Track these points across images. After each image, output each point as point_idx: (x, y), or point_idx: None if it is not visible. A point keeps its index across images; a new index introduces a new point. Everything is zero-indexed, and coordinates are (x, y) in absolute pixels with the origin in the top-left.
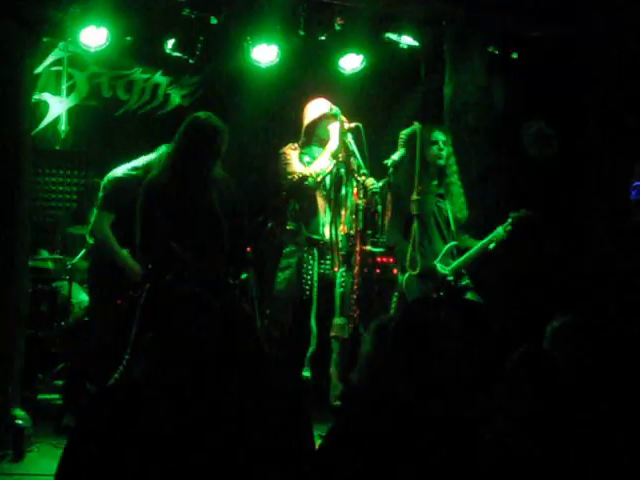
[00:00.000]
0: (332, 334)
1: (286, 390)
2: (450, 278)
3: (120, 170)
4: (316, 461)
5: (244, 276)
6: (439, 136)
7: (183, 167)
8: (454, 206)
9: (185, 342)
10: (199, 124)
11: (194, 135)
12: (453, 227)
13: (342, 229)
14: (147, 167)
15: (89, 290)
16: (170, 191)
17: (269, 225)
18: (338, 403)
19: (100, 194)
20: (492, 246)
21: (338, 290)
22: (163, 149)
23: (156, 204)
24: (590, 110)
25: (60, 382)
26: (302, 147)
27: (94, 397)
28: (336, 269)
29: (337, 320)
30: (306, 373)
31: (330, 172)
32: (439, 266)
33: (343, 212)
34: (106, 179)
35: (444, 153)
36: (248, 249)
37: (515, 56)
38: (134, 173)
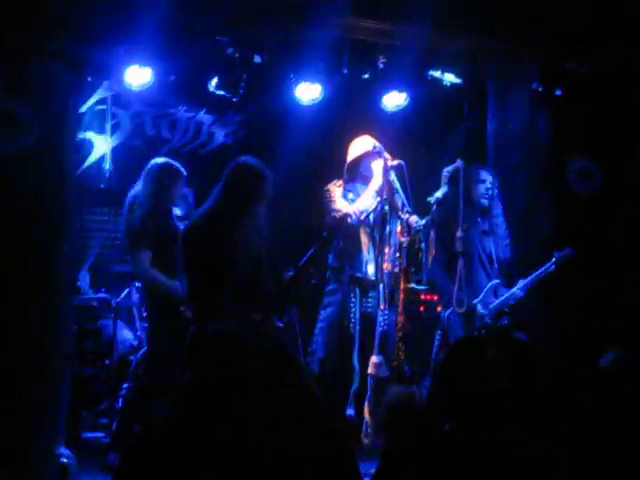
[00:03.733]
0: (368, 372)
1: (333, 430)
2: (490, 317)
3: (145, 207)
4: None
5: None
6: (486, 176)
7: (226, 213)
8: (497, 247)
9: (225, 383)
10: (244, 170)
11: (238, 181)
12: (497, 265)
13: (386, 267)
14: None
15: (149, 330)
16: (214, 236)
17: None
18: (367, 440)
19: (136, 233)
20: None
21: (378, 328)
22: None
23: (198, 250)
24: (635, 145)
25: (105, 420)
26: (346, 184)
27: (139, 436)
28: (382, 307)
29: (374, 358)
30: (350, 411)
31: (374, 210)
32: (479, 305)
33: (387, 250)
34: (139, 218)
35: (490, 192)
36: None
37: (559, 92)
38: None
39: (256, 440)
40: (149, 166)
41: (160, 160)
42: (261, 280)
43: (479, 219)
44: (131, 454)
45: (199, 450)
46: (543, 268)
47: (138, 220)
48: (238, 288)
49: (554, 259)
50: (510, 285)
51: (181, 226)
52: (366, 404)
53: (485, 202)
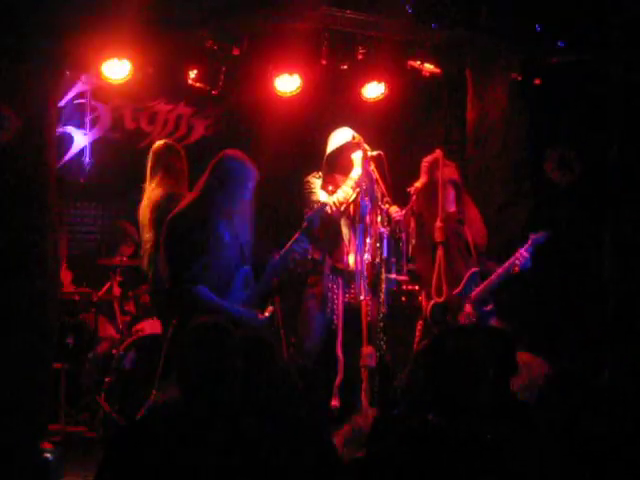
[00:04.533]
0: (361, 363)
1: (313, 421)
2: (472, 305)
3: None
4: None
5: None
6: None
7: (212, 205)
8: (474, 234)
9: (209, 374)
10: (229, 162)
11: (223, 173)
12: (474, 253)
13: (367, 257)
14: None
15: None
16: (197, 228)
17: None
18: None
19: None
20: (516, 269)
21: (365, 319)
22: None
23: (182, 240)
24: (613, 134)
25: (87, 414)
26: (325, 176)
27: (122, 430)
28: (362, 298)
29: (365, 349)
30: (334, 402)
31: (353, 200)
32: (462, 293)
33: (367, 240)
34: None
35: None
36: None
37: (538, 82)
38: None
39: (240, 429)
40: None
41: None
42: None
43: (454, 208)
44: (113, 449)
45: (183, 444)
46: (519, 251)
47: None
48: (220, 281)
49: (530, 240)
50: (489, 273)
51: None
52: (362, 395)
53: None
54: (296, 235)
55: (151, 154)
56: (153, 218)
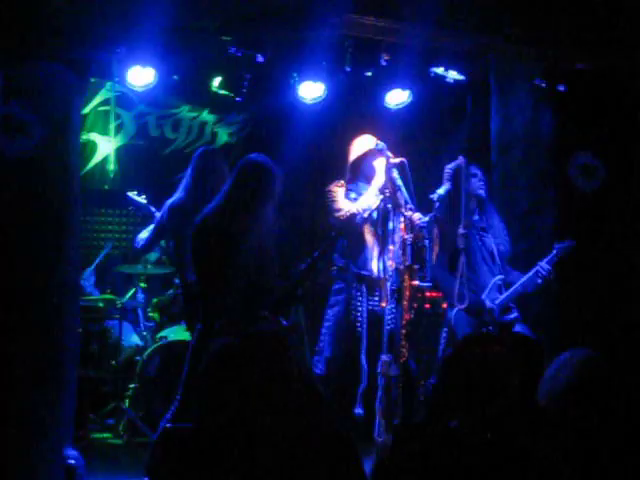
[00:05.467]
0: (379, 371)
1: (337, 429)
2: (497, 312)
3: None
4: None
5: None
6: (476, 170)
7: (234, 210)
8: (497, 240)
9: (234, 384)
10: (253, 168)
11: (247, 179)
12: (499, 261)
13: (390, 264)
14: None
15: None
16: (221, 233)
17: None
18: (381, 439)
19: None
20: (539, 282)
21: (386, 327)
22: None
23: (209, 246)
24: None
25: (111, 421)
26: (348, 184)
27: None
28: (384, 304)
29: (384, 357)
30: (358, 410)
31: (377, 208)
32: (487, 300)
33: (391, 247)
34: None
35: (483, 185)
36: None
37: (562, 88)
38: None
39: (264, 441)
40: None
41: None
42: (268, 279)
43: (477, 216)
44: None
45: (207, 455)
46: (544, 260)
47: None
48: (245, 286)
49: (555, 250)
50: (513, 281)
51: None
52: (377, 403)
53: (482, 192)
54: (324, 245)
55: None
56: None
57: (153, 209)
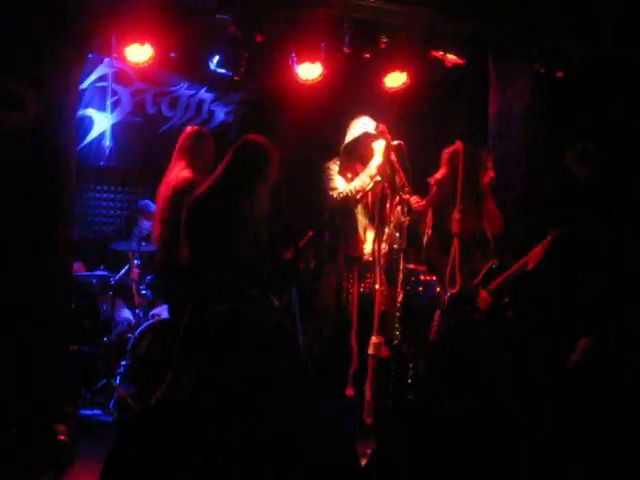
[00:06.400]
0: (369, 352)
1: (327, 410)
2: (490, 297)
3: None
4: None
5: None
6: (488, 160)
7: (230, 189)
8: (491, 224)
9: (225, 362)
10: (250, 148)
11: (244, 158)
12: (493, 245)
13: (384, 247)
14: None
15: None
16: (215, 210)
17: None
18: (369, 421)
19: None
20: (530, 265)
21: (378, 308)
22: None
23: (203, 224)
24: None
25: (102, 398)
26: (343, 163)
27: (135, 416)
28: (378, 287)
29: (373, 339)
30: (349, 391)
31: (372, 189)
32: (479, 285)
33: (386, 230)
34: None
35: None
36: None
37: (560, 75)
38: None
39: (255, 418)
40: None
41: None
42: (261, 258)
43: (475, 202)
44: (126, 435)
45: (197, 431)
46: (538, 246)
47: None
48: (238, 265)
49: (550, 237)
50: (507, 266)
51: None
52: (367, 384)
53: (484, 189)
54: (318, 226)
55: (182, 138)
56: (172, 200)
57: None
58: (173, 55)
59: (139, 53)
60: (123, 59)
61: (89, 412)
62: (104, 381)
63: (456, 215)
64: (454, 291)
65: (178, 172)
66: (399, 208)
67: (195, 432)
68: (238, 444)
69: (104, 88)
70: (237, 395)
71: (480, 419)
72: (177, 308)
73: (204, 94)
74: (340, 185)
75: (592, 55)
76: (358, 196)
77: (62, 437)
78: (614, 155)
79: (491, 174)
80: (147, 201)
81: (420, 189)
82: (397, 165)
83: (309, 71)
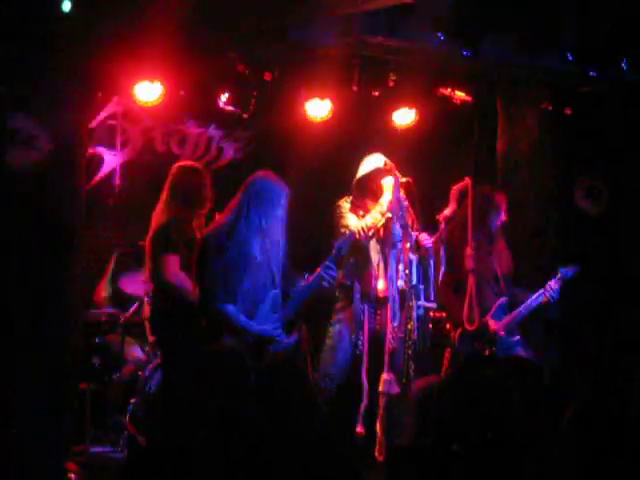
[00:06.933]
0: (379, 389)
1: (338, 448)
2: (500, 334)
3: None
4: None
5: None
6: (503, 203)
7: (245, 225)
8: (500, 262)
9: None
10: (262, 184)
11: (256, 195)
12: (502, 283)
13: (400, 284)
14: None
15: (162, 340)
16: (230, 248)
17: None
18: (381, 459)
19: (165, 240)
20: (541, 299)
21: (388, 345)
22: None
23: (214, 259)
24: None
25: (112, 435)
26: (355, 200)
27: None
28: (393, 324)
29: (384, 376)
30: (359, 429)
31: (383, 226)
32: (491, 322)
33: (400, 267)
34: (163, 227)
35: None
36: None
37: (568, 111)
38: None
39: (266, 453)
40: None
41: (182, 163)
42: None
43: (486, 240)
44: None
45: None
46: (548, 284)
47: (167, 224)
48: (250, 300)
49: (559, 275)
50: (517, 303)
51: None
52: (378, 422)
53: (495, 230)
54: (325, 262)
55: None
56: (150, 243)
57: None
58: (182, 93)
59: (148, 91)
60: (132, 97)
61: (99, 449)
62: (114, 419)
63: (469, 251)
64: (472, 328)
65: (156, 215)
66: (408, 245)
67: (196, 453)
68: (240, 464)
69: (113, 126)
70: (245, 434)
71: (489, 457)
72: (170, 355)
73: (213, 131)
74: (352, 222)
75: (600, 90)
76: (370, 233)
77: (72, 475)
78: (622, 190)
79: (503, 218)
80: None
81: (429, 226)
82: (405, 202)
83: (318, 108)
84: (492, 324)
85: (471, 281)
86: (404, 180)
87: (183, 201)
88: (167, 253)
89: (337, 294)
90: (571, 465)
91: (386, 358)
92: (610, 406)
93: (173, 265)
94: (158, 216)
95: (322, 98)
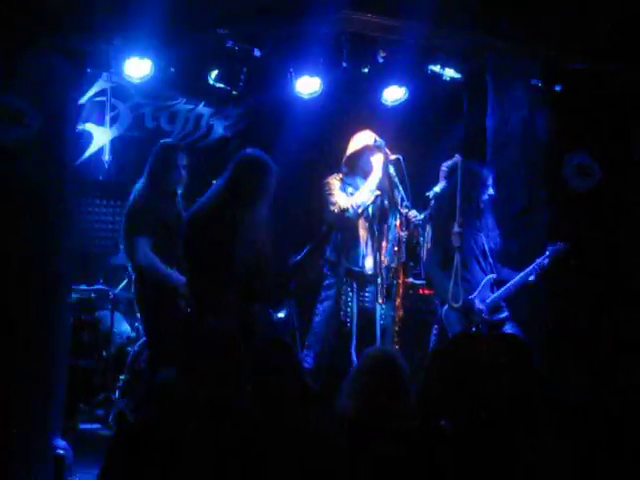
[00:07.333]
0: None
1: (325, 425)
2: (487, 312)
3: (143, 195)
4: None
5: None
6: (488, 178)
7: (230, 205)
8: (489, 238)
9: (220, 376)
10: (250, 163)
11: (243, 173)
12: (491, 260)
13: (384, 261)
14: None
15: (144, 321)
16: (215, 225)
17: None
18: None
19: (136, 222)
20: (531, 278)
21: (379, 322)
22: None
23: (198, 242)
24: (634, 142)
25: (101, 412)
26: (345, 178)
27: (127, 429)
28: (381, 302)
29: None
30: None
31: (373, 203)
32: (477, 300)
33: (384, 244)
34: (135, 207)
35: (492, 195)
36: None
37: (559, 88)
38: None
39: (253, 430)
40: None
41: (162, 141)
42: (261, 274)
43: (471, 214)
44: (111, 453)
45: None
46: (536, 262)
47: (139, 203)
48: (237, 281)
49: (547, 252)
50: (505, 280)
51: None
52: None
53: (483, 205)
54: (316, 240)
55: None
56: (125, 220)
57: None
58: (172, 70)
59: (138, 68)
60: (122, 74)
61: (88, 426)
62: (103, 395)
63: (456, 229)
64: (457, 305)
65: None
66: (398, 222)
67: (187, 444)
68: (232, 455)
69: (103, 103)
70: (234, 408)
71: (479, 437)
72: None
73: (202, 108)
74: (341, 200)
75: (590, 67)
76: (360, 210)
77: (61, 451)
78: (613, 167)
79: (491, 192)
80: None
81: (419, 203)
82: (395, 179)
83: (307, 85)
84: (477, 303)
85: (457, 259)
86: (394, 157)
87: (154, 179)
88: (138, 235)
89: (325, 271)
90: (566, 457)
91: (377, 335)
92: (606, 399)
93: (143, 247)
94: (137, 191)
95: (311, 75)
